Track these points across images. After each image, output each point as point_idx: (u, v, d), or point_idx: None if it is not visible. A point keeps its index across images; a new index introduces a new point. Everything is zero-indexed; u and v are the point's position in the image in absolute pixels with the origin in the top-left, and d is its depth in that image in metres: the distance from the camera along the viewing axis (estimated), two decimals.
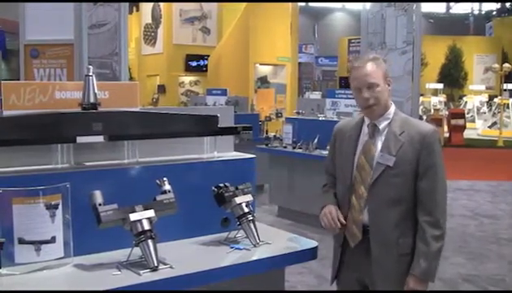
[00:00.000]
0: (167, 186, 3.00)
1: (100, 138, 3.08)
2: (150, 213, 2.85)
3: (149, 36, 23.51)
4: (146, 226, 2.81)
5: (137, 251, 2.80)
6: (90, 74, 3.17)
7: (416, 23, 9.01)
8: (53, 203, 2.74)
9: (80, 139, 3.02)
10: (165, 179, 3.03)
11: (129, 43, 19.34)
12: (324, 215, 3.15)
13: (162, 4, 22.73)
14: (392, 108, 3.13)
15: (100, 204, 2.76)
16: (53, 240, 2.74)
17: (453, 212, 9.67)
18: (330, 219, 3.11)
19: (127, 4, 7.93)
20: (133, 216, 2.80)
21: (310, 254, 3.29)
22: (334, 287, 3.36)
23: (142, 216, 2.82)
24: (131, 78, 18.65)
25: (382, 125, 3.09)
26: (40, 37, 7.77)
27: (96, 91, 3.18)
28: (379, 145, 3.06)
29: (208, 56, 21.32)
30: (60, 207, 2.77)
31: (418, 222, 3.00)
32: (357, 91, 3.07)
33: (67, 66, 7.81)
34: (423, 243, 2.96)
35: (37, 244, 2.71)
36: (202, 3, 22.91)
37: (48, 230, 2.73)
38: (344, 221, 3.10)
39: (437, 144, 3.03)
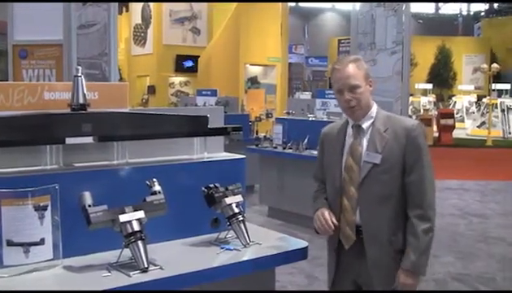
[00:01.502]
0: (157, 187, 2.99)
1: (89, 139, 3.06)
2: (140, 214, 2.83)
3: (139, 36, 23.47)
4: (136, 227, 2.79)
5: (127, 252, 2.78)
6: (79, 75, 3.15)
7: (405, 23, 9.06)
8: (42, 204, 2.72)
9: (69, 140, 3.00)
10: (155, 180, 3.01)
11: (119, 44, 19.32)
12: (317, 218, 3.15)
13: (152, 4, 22.71)
14: (375, 107, 3.15)
15: (89, 205, 2.74)
16: (42, 242, 2.72)
17: (442, 212, 9.70)
18: (323, 222, 3.11)
19: (116, 4, 7.91)
20: (123, 218, 2.78)
21: (301, 254, 3.28)
22: None
23: (132, 218, 2.80)
24: (121, 79, 18.62)
25: (365, 125, 3.11)
26: (28, 38, 7.72)
27: (85, 92, 3.16)
28: (365, 144, 3.08)
29: (198, 57, 21.30)
30: (49, 208, 2.75)
31: (408, 217, 3.01)
32: (339, 93, 3.09)
33: (56, 66, 7.76)
34: (413, 237, 2.98)
35: (26, 246, 2.69)
36: (192, 3, 22.89)
37: (37, 232, 2.71)
38: (337, 223, 3.10)
39: (422, 137, 3.04)
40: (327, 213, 3.13)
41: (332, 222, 3.09)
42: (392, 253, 3.03)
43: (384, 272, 3.04)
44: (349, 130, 3.17)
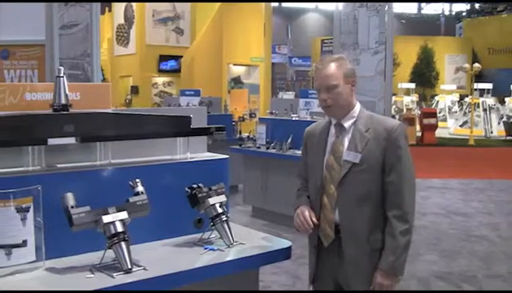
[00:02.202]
0: (140, 188, 2.98)
1: (72, 140, 3.05)
2: (123, 215, 2.83)
3: (122, 36, 23.40)
4: (119, 228, 2.78)
5: (110, 253, 2.77)
6: (61, 75, 3.13)
7: (388, 23, 9.10)
8: (24, 206, 2.70)
9: (52, 141, 2.98)
10: (138, 180, 3.00)
11: (101, 44, 19.27)
12: (297, 216, 3.17)
13: (134, 4, 22.64)
14: (358, 107, 3.17)
15: (72, 207, 2.73)
16: (24, 244, 2.70)
17: (425, 210, 9.77)
18: (302, 219, 3.12)
19: (99, 4, 7.87)
20: (106, 218, 2.77)
21: (284, 254, 3.29)
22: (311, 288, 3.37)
23: (115, 218, 2.79)
24: (104, 79, 18.54)
25: (347, 124, 3.13)
26: (10, 38, 7.67)
27: (67, 92, 3.15)
28: (346, 143, 3.10)
29: (181, 57, 21.27)
30: (31, 210, 2.73)
31: (387, 217, 3.02)
32: (318, 92, 3.12)
33: (38, 67, 7.72)
34: (391, 238, 2.99)
35: (8, 248, 2.67)
36: (175, 3, 22.85)
37: (19, 234, 2.69)
38: (316, 221, 3.12)
39: (403, 138, 3.05)
40: (307, 212, 3.14)
41: (312, 221, 3.11)
42: (370, 252, 3.04)
43: (362, 271, 3.05)
44: (332, 129, 3.19)
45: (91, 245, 2.92)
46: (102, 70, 16.81)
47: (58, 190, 2.81)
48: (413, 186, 3.06)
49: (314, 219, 3.11)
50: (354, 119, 3.13)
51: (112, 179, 3.15)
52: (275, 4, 39.82)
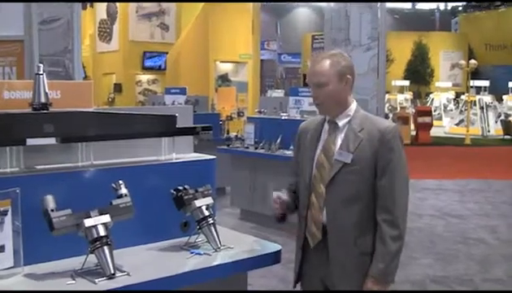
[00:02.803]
0: (124, 190, 2.98)
1: (52, 140, 3.03)
2: (106, 218, 2.82)
3: (105, 32, 23.30)
4: (102, 232, 2.78)
5: (93, 258, 2.77)
6: (41, 72, 3.12)
7: (381, 18, 9.11)
8: (1, 209, 2.69)
9: (31, 141, 2.97)
10: (121, 182, 3.00)
11: (83, 40, 19.20)
12: (273, 201, 3.24)
13: None
14: (354, 105, 3.17)
15: (52, 210, 2.72)
16: (1, 249, 2.69)
17: (420, 212, 9.81)
18: (275, 197, 3.21)
19: None
20: (88, 222, 2.77)
21: (274, 258, 3.30)
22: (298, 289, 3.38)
23: (97, 222, 2.79)
24: (85, 77, 18.47)
25: (342, 122, 3.14)
26: None
27: (47, 91, 3.14)
28: (339, 142, 3.11)
29: (166, 53, 21.22)
30: (9, 213, 2.71)
31: (377, 221, 3.03)
32: (310, 88, 3.16)
33: (16, 64, 7.67)
34: (381, 243, 3.00)
35: None
36: None
37: None
38: (285, 199, 3.21)
39: (397, 141, 3.06)
40: (279, 194, 3.24)
41: (282, 202, 3.20)
42: (357, 255, 3.05)
43: (348, 274, 3.07)
44: (326, 126, 3.21)
45: (72, 250, 2.92)
46: (84, 67, 16.73)
47: (37, 192, 2.79)
48: (405, 191, 3.07)
49: (284, 197, 3.21)
50: (349, 118, 3.13)
51: (94, 181, 3.14)
52: None
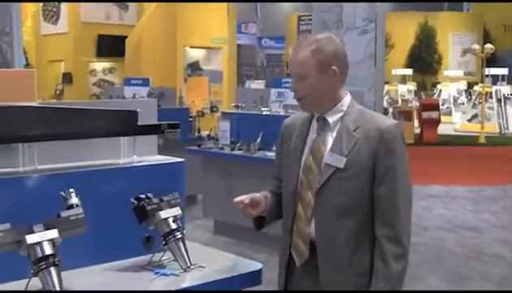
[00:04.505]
0: (74, 199, 2.97)
1: None
2: (53, 234, 2.81)
3: (50, 11, 23.18)
4: (48, 250, 2.76)
5: (37, 281, 2.75)
6: None
7: None
8: None
9: None
10: (72, 190, 2.99)
11: (24, 21, 19.07)
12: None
13: None
14: (347, 99, 3.14)
15: None
16: None
17: (426, 224, 9.85)
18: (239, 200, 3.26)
19: None
20: (31, 238, 2.75)
21: (253, 278, 3.31)
22: None
23: (42, 238, 2.77)
24: (27, 64, 18.37)
25: (332, 119, 3.10)
26: None
27: None
28: (330, 143, 3.08)
29: (126, 37, 21.16)
30: None
31: (376, 237, 3.01)
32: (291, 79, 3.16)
33: None
34: (382, 263, 2.97)
35: None
36: None
37: None
38: (253, 198, 3.29)
39: (399, 142, 3.03)
40: (243, 197, 3.30)
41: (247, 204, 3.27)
42: (352, 276, 3.03)
43: None
44: (314, 123, 3.18)
45: (12, 272, 2.90)
46: (25, 53, 16.66)
47: None
48: (409, 201, 3.05)
49: (248, 199, 3.28)
50: (342, 113, 3.10)
51: (39, 189, 3.13)
52: None
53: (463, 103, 30.20)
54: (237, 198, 3.24)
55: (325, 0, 9.31)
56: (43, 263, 2.74)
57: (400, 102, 26.99)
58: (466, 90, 31.55)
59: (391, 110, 24.46)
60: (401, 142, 3.05)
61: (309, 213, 3.08)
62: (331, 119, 3.11)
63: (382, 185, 3.00)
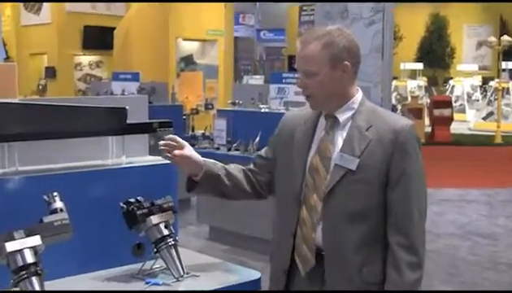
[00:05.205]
0: (59, 204, 2.97)
1: None
2: (35, 241, 2.80)
3: (32, 0, 23.15)
4: (29, 259, 2.76)
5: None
6: None
7: None
8: None
9: None
10: (56, 194, 2.99)
11: (3, 10, 19.06)
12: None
13: None
14: (359, 96, 3.13)
15: None
16: None
17: (439, 231, 9.85)
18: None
19: None
20: (11, 246, 2.74)
21: (251, 287, 3.31)
22: None
23: (23, 246, 2.77)
24: (7, 58, 18.34)
25: (343, 117, 3.09)
26: None
27: None
28: (340, 143, 3.06)
29: (114, 29, 21.15)
30: None
31: (389, 244, 3.00)
32: (298, 74, 3.13)
33: None
34: (395, 271, 2.96)
35: None
36: None
37: None
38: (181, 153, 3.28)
39: (414, 144, 3.02)
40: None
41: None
42: (361, 287, 3.02)
43: None
44: (322, 121, 3.17)
45: None
46: (5, 45, 16.61)
47: None
48: (424, 207, 3.05)
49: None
50: (353, 111, 3.09)
51: (20, 192, 3.13)
52: None
53: (478, 100, 30.18)
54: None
55: None
56: (24, 272, 2.73)
57: (409, 98, 26.99)
58: (480, 86, 31.51)
59: (399, 107, 24.40)
60: (417, 144, 3.05)
61: (315, 218, 3.06)
62: (341, 117, 3.10)
63: (395, 189, 2.99)
